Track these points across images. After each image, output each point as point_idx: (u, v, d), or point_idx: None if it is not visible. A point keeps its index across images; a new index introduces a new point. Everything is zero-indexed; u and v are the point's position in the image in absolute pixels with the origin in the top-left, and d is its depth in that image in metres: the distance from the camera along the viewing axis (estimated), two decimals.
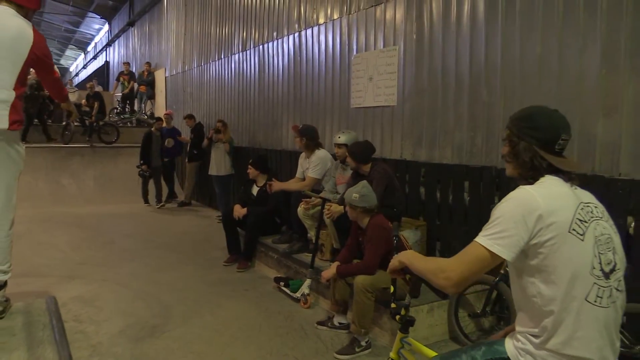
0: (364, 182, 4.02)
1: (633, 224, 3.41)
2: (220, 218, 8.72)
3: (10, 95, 3.02)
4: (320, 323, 4.22)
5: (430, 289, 1.96)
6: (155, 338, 3.93)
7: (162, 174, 10.47)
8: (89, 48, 30.17)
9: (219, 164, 8.75)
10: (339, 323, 4.14)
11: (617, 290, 1.71)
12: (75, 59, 36.28)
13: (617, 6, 3.50)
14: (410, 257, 1.99)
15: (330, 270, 3.93)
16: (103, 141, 12.07)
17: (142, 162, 10.01)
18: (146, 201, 10.33)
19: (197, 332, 4.07)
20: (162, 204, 10.26)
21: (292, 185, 5.57)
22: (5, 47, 3.02)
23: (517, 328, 1.82)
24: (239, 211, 5.97)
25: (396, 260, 2.05)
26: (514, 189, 1.80)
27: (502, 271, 3.64)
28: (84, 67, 31.93)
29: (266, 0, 8.23)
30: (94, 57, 27.86)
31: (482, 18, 4.49)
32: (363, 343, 3.74)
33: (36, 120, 11.88)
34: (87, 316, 4.31)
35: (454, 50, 4.76)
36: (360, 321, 3.68)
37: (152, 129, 10.28)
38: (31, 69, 3.41)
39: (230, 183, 8.95)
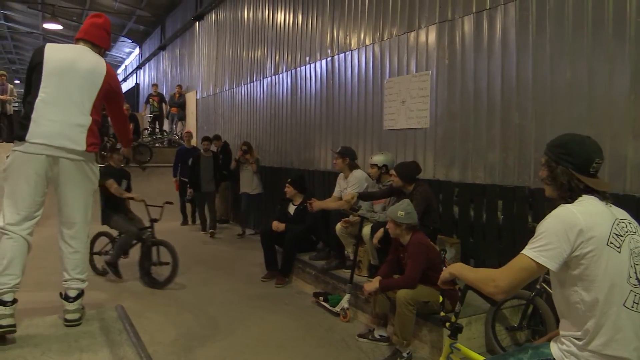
0: (407, 200, 4.25)
1: None
2: (252, 233, 9.16)
3: (88, 120, 3.38)
4: (361, 335, 4.42)
5: (481, 296, 2.18)
6: (206, 347, 4.18)
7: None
8: (119, 70, 31.09)
9: (249, 184, 9.14)
10: (380, 335, 4.34)
11: None
12: None
13: None
14: (460, 269, 2.23)
15: (372, 284, 4.14)
16: (137, 161, 12.49)
17: (188, 185, 9.60)
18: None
19: (244, 342, 4.31)
20: (212, 231, 9.50)
21: (331, 204, 5.82)
22: (85, 78, 3.42)
23: (562, 332, 2.03)
24: (278, 225, 6.24)
25: (447, 272, 2.28)
26: (548, 207, 2.04)
27: (537, 286, 3.82)
28: None
29: (298, 26, 8.60)
30: (124, 80, 28.69)
31: (513, 44, 4.73)
32: (404, 354, 3.93)
33: None
34: (140, 326, 4.51)
35: (486, 75, 5.00)
36: (402, 333, 3.88)
37: (201, 150, 9.64)
38: None
39: (260, 201, 9.31)
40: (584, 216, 1.91)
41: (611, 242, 1.89)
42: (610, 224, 1.93)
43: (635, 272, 1.90)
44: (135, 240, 6.11)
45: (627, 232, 1.95)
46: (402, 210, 4.07)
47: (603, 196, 2.02)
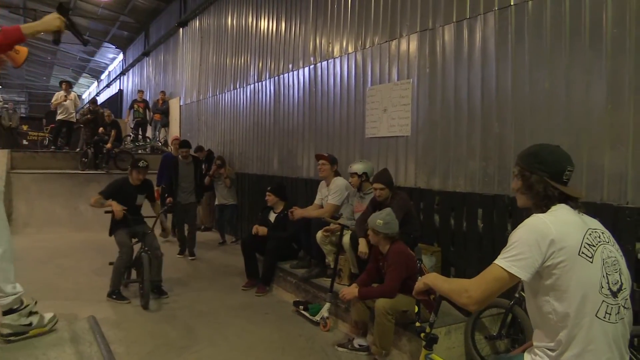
0: (389, 209, 4.23)
1: None
2: (233, 241, 9.23)
3: None
4: (340, 345, 4.38)
5: (454, 307, 2.16)
6: (183, 358, 4.11)
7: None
8: (102, 76, 30.84)
9: (224, 197, 9.23)
10: (359, 345, 4.30)
11: (624, 307, 1.92)
12: (88, 86, 37.06)
13: (620, 46, 3.75)
14: (433, 280, 2.21)
15: (351, 291, 4.11)
16: (119, 168, 12.34)
17: (166, 195, 8.04)
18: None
19: (223, 353, 4.25)
20: (192, 258, 8.07)
21: (312, 212, 5.80)
22: None
23: (535, 343, 2.01)
24: (258, 228, 6.22)
25: (421, 282, 2.27)
26: (527, 216, 2.03)
27: (516, 295, 3.81)
28: (97, 94, 32.59)
29: (282, 34, 8.59)
30: (107, 86, 28.47)
31: (492, 54, 4.76)
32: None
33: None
34: (116, 338, 4.48)
35: (466, 84, 5.02)
36: (381, 343, 3.85)
37: (179, 156, 8.26)
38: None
39: (234, 212, 9.40)
40: (555, 226, 1.91)
41: (583, 252, 1.89)
42: (582, 234, 1.93)
43: (608, 283, 1.90)
44: (128, 262, 5.81)
45: (599, 242, 1.95)
46: (381, 219, 4.06)
47: (576, 205, 2.02)
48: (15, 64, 3.47)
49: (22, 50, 3.53)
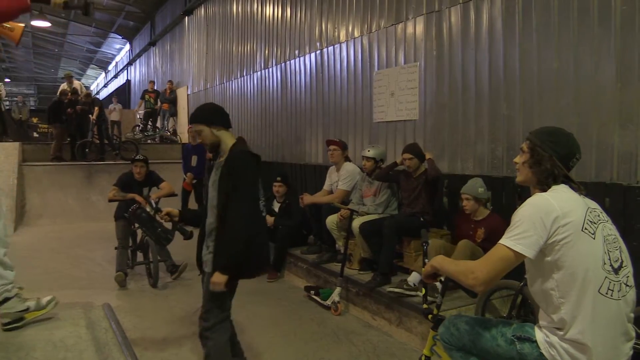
0: (480, 178, 4.38)
1: None
2: None
3: None
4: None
5: (461, 289, 2.18)
6: (197, 344, 4.13)
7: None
8: (110, 67, 30.93)
9: None
10: (414, 284, 4.13)
11: (627, 285, 1.95)
12: (96, 78, 37.19)
13: (630, 24, 3.70)
14: (440, 262, 2.23)
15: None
16: (123, 158, 12.34)
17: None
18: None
19: None
20: None
21: (322, 198, 5.82)
22: None
23: (541, 322, 2.04)
24: (267, 219, 6.16)
25: (428, 265, 2.28)
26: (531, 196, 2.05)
27: (526, 276, 3.81)
28: (105, 85, 32.74)
29: (287, 19, 8.56)
30: (115, 76, 28.56)
31: (500, 35, 4.71)
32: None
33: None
34: (130, 325, 4.54)
35: (474, 66, 4.98)
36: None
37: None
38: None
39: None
40: (559, 202, 1.94)
41: (586, 228, 1.93)
42: (584, 211, 1.97)
43: (610, 259, 1.93)
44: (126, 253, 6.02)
45: (599, 220, 2.00)
46: (481, 187, 4.22)
47: (577, 187, 2.05)
48: (14, 41, 3.65)
49: (17, 26, 3.62)
